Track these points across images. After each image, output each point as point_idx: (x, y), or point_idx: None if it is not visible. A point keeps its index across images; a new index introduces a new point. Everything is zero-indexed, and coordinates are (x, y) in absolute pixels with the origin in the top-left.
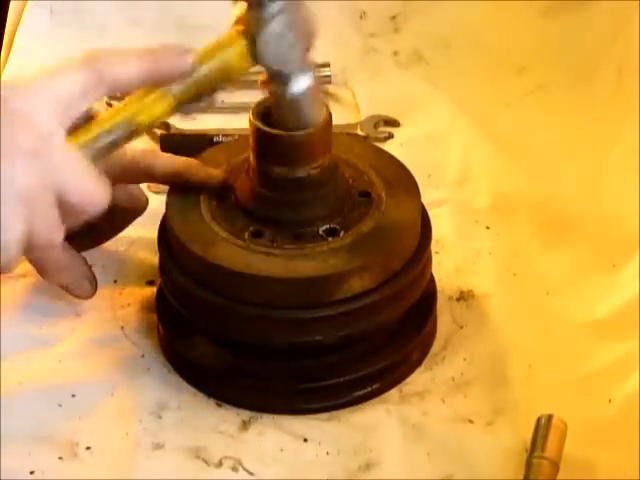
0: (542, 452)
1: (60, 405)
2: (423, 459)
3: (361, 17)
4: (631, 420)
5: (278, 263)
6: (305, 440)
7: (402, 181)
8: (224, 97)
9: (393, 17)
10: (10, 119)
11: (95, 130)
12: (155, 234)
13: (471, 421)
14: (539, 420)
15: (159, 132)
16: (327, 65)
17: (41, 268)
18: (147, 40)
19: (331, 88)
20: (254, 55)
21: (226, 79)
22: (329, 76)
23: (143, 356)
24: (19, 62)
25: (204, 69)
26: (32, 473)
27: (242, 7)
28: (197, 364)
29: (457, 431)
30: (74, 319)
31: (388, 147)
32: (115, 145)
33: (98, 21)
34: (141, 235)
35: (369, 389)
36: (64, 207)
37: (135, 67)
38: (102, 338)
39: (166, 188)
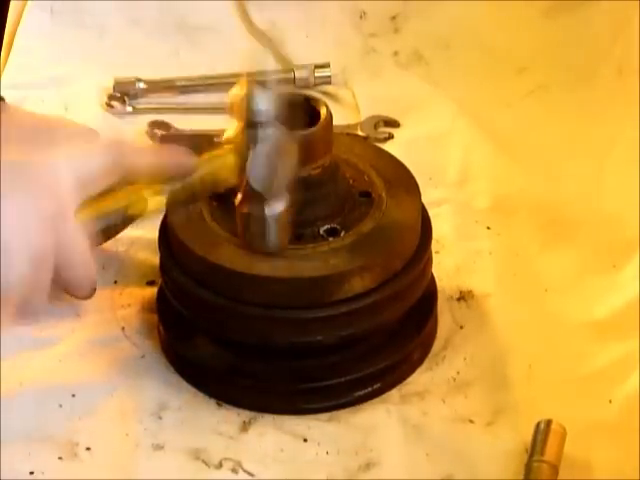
0: (541, 456)
1: (60, 405)
2: (423, 459)
3: (361, 17)
4: (631, 420)
5: (279, 263)
6: (305, 440)
7: (402, 181)
8: (224, 98)
9: (393, 17)
10: (36, 181)
11: (92, 211)
12: (155, 234)
13: (471, 421)
14: (538, 425)
15: (159, 132)
16: (327, 65)
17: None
18: (147, 40)
19: (331, 88)
20: (242, 170)
21: (214, 188)
22: (329, 76)
23: (143, 356)
24: (19, 62)
25: (197, 175)
26: (32, 473)
27: (236, 128)
28: (198, 364)
29: (457, 431)
30: (74, 319)
31: (388, 147)
32: (109, 229)
33: (98, 21)
34: (141, 235)
35: (370, 389)
36: (54, 282)
37: (149, 160)
38: (102, 338)
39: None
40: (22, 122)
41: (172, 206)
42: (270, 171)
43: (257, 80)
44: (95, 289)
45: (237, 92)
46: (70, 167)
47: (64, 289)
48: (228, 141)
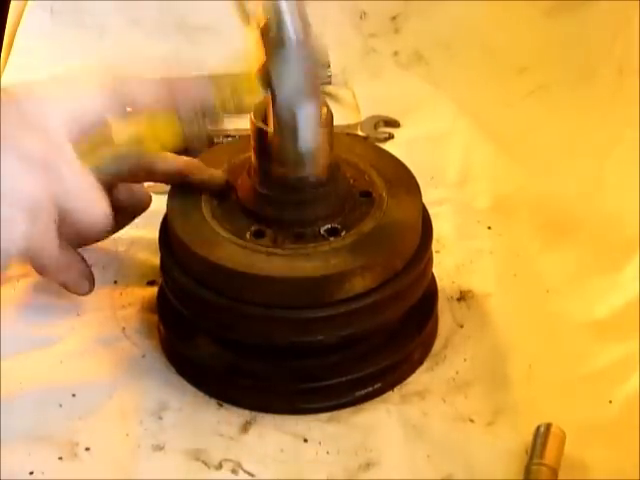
0: (541, 459)
1: (60, 405)
2: (423, 459)
3: (361, 17)
4: (631, 421)
5: (279, 263)
6: (305, 440)
7: (403, 181)
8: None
9: (393, 17)
10: (22, 121)
11: (103, 153)
12: (155, 234)
13: (471, 421)
14: (538, 428)
15: None
16: (327, 65)
17: (39, 267)
18: (147, 40)
19: (331, 88)
20: (265, 81)
21: (239, 110)
22: (329, 76)
23: (144, 356)
24: (19, 62)
25: (217, 94)
26: (32, 473)
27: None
28: (198, 364)
29: (457, 431)
30: (74, 319)
31: (388, 147)
32: (122, 172)
33: (98, 21)
34: (141, 235)
35: (370, 389)
36: (63, 222)
37: (154, 90)
38: (103, 338)
39: (167, 188)
40: None
41: (173, 206)
42: (298, 76)
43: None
44: (94, 286)
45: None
46: (59, 101)
47: (75, 230)
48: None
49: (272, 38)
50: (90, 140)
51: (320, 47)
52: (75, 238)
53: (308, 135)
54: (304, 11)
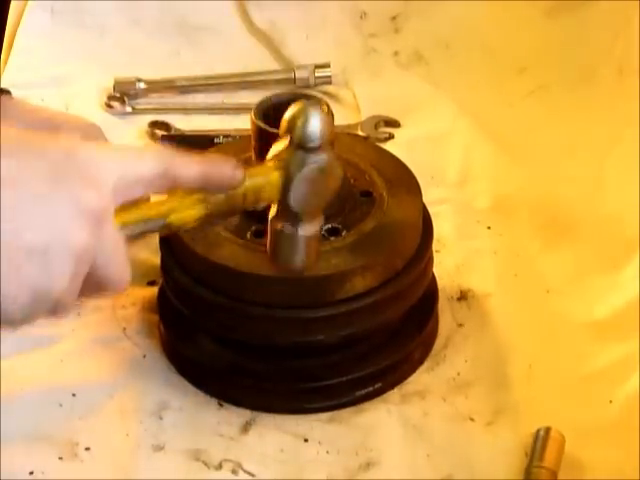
0: (541, 462)
1: (60, 405)
2: (423, 459)
3: (361, 17)
4: (631, 421)
5: None
6: (306, 440)
7: (403, 180)
8: (224, 98)
9: (393, 17)
10: (81, 172)
11: (133, 216)
12: (155, 234)
13: (472, 420)
14: (538, 432)
15: (160, 133)
16: (327, 65)
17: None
18: (147, 40)
19: (331, 88)
20: (285, 190)
21: (256, 203)
22: (329, 76)
23: (144, 356)
24: (19, 62)
25: (240, 189)
26: (32, 473)
27: (283, 144)
28: (199, 364)
29: (457, 431)
30: (74, 319)
31: (388, 147)
32: (144, 233)
33: (98, 21)
34: None
35: (371, 388)
36: (88, 278)
37: (195, 172)
38: (103, 338)
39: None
40: (24, 116)
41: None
42: (313, 194)
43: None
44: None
45: (293, 112)
46: (118, 166)
47: (96, 286)
48: (275, 157)
49: (296, 143)
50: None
51: (338, 161)
52: (89, 290)
53: (302, 255)
54: (331, 121)
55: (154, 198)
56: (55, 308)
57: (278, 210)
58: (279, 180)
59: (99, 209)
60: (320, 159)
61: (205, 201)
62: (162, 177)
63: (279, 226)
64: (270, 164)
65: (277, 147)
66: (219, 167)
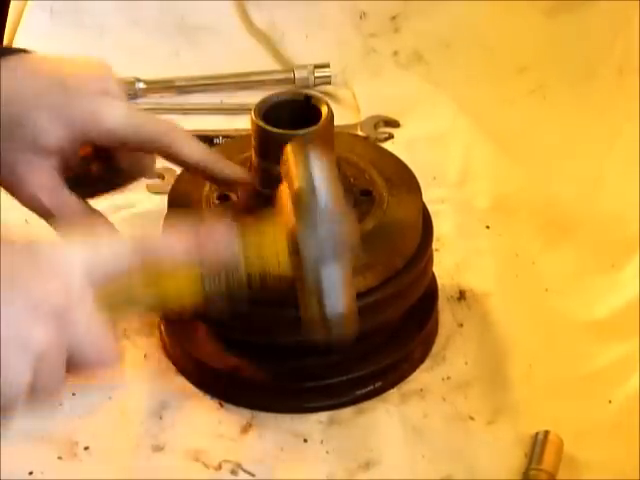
0: (539, 464)
1: (60, 405)
2: (423, 459)
3: (361, 17)
4: (631, 421)
5: None
6: (305, 440)
7: (403, 180)
8: (224, 98)
9: (393, 17)
10: (35, 266)
11: (123, 293)
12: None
13: (472, 419)
14: (536, 435)
15: None
16: (327, 65)
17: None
18: (147, 40)
19: (331, 88)
20: (292, 250)
21: (262, 274)
22: (329, 76)
23: (145, 356)
24: None
25: (241, 258)
26: (31, 473)
27: (284, 192)
28: (199, 363)
29: (457, 431)
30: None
31: (388, 147)
32: (136, 310)
33: (98, 21)
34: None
35: (371, 388)
36: (72, 362)
37: (180, 250)
38: None
39: (167, 188)
40: (34, 74)
41: (174, 206)
42: (326, 245)
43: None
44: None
45: (289, 157)
46: (79, 250)
47: (82, 369)
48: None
49: (303, 204)
50: (110, 285)
51: (349, 214)
52: (76, 373)
53: (334, 299)
54: (337, 179)
55: None
56: (33, 398)
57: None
58: (284, 238)
59: (60, 301)
60: (321, 202)
61: (202, 277)
62: (138, 259)
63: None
64: (269, 220)
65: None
66: (208, 241)
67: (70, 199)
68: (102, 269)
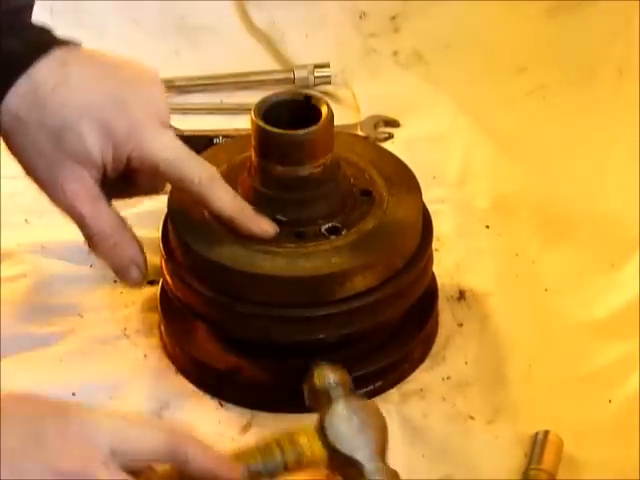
0: (539, 464)
1: None
2: (423, 458)
3: (361, 17)
4: (631, 420)
5: (281, 262)
6: None
7: (403, 179)
8: (223, 98)
9: (393, 17)
10: (63, 434)
11: None
12: (156, 234)
13: (472, 418)
14: (536, 435)
15: None
16: (327, 65)
17: (89, 237)
18: (147, 40)
19: (331, 88)
20: (324, 439)
21: (300, 466)
22: (329, 76)
23: (145, 356)
24: None
25: (277, 458)
26: None
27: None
28: (199, 363)
29: (457, 431)
30: (74, 319)
31: (388, 147)
32: None
33: (98, 21)
34: (142, 235)
35: (371, 387)
36: None
37: (204, 464)
38: (103, 338)
39: (166, 188)
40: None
41: (174, 205)
42: (353, 431)
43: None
44: (145, 277)
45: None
46: (112, 437)
47: None
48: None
49: (322, 397)
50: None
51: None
52: None
53: None
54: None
55: None
56: None
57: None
58: (314, 432)
59: (80, 469)
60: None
61: None
62: (165, 457)
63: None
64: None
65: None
66: (229, 469)
67: (106, 211)
68: (131, 455)
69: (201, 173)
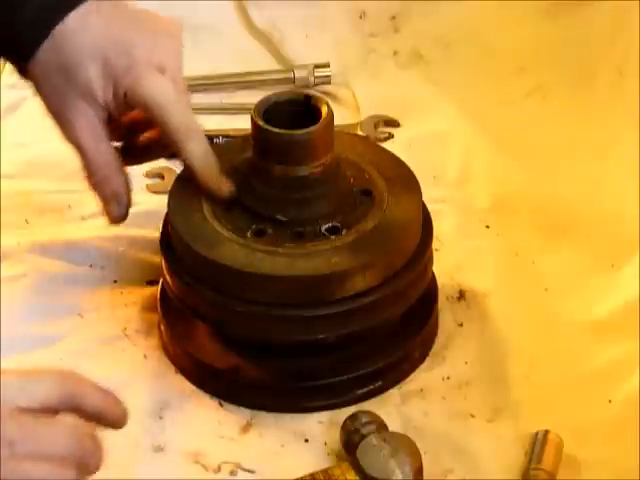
0: (539, 464)
1: None
2: (423, 457)
3: (361, 17)
4: (631, 420)
5: (281, 261)
6: (306, 440)
7: (403, 179)
8: (224, 98)
9: (393, 17)
10: None
11: None
12: (155, 234)
13: (472, 416)
14: (536, 435)
15: None
16: (327, 65)
17: (86, 167)
18: None
19: (331, 88)
20: (358, 469)
21: None
22: (329, 76)
23: (145, 356)
24: None
25: None
26: None
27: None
28: (199, 363)
29: (457, 430)
30: (75, 319)
31: (388, 147)
32: None
33: None
34: (141, 235)
35: (371, 387)
36: None
37: (96, 402)
38: (103, 338)
39: (167, 188)
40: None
41: (174, 205)
42: (384, 459)
43: None
44: (126, 214)
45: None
46: (11, 385)
47: None
48: None
49: (355, 437)
50: None
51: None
52: None
53: None
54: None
55: None
56: None
57: None
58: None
59: None
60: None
61: None
62: (63, 401)
63: None
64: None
65: None
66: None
67: (105, 148)
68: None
69: (183, 122)
